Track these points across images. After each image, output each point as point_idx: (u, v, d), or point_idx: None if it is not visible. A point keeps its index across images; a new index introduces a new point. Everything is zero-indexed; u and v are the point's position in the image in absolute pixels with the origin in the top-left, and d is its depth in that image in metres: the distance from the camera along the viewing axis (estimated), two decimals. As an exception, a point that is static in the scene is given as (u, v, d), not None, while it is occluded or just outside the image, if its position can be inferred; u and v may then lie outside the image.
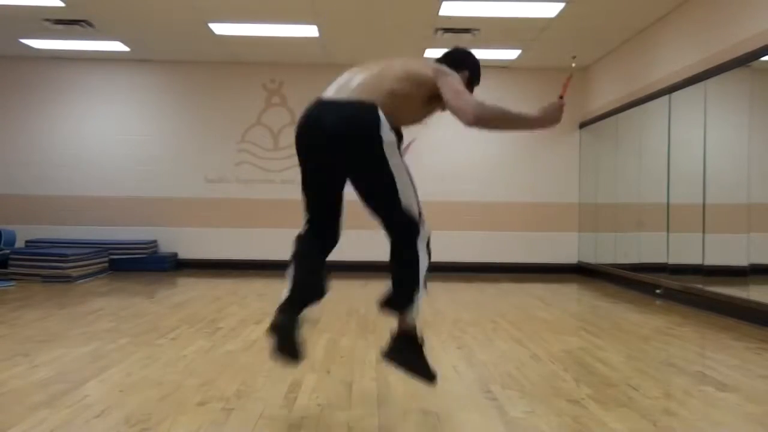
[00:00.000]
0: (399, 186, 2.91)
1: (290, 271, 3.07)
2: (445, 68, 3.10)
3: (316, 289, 3.08)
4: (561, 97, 3.13)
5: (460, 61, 3.33)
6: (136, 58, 9.61)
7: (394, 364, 3.12)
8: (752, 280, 5.71)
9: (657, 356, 4.46)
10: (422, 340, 3.13)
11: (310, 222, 3.14)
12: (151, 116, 9.88)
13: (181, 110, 9.89)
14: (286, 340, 2.94)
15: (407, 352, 3.11)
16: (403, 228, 2.99)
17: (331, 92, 3.00)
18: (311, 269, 3.07)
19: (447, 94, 2.97)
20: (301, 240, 3.12)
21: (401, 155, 3.01)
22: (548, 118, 3.05)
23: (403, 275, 3.03)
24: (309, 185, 3.08)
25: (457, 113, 2.97)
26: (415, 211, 2.97)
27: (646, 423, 2.95)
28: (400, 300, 3.04)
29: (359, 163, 2.91)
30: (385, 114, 2.84)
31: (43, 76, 9.70)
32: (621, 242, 8.45)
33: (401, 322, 3.11)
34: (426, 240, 3.04)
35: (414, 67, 3.09)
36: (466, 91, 3.01)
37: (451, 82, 3.01)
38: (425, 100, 3.08)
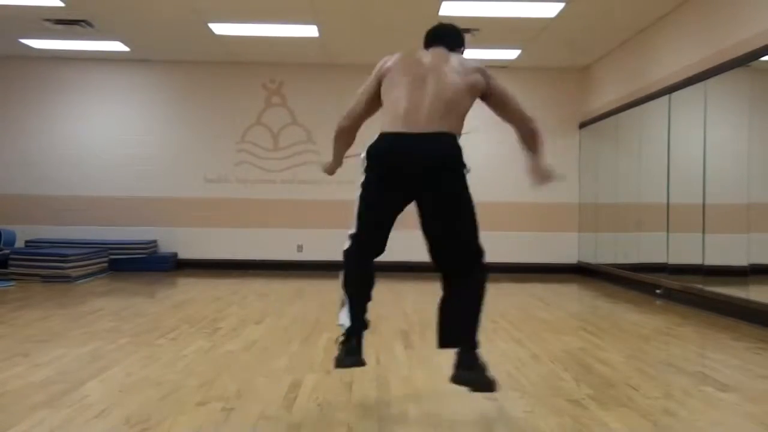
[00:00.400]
0: (476, 216, 3.07)
1: (347, 296, 3.06)
2: (486, 70, 3.16)
3: (368, 300, 3.13)
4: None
5: (462, 41, 3.44)
6: (135, 58, 9.61)
7: (471, 387, 2.92)
8: (752, 280, 5.71)
9: (657, 356, 4.46)
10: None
11: (362, 238, 3.13)
12: (151, 116, 9.88)
13: (181, 110, 9.89)
14: (356, 361, 2.99)
15: (479, 372, 2.93)
16: (479, 257, 3.14)
17: (406, 121, 3.00)
18: (368, 294, 3.11)
19: (513, 101, 3.21)
20: (353, 259, 3.12)
21: None
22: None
23: (476, 307, 3.07)
24: (377, 205, 3.12)
25: (525, 120, 3.24)
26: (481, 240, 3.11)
27: (646, 423, 2.95)
28: (473, 331, 3.02)
29: (448, 194, 3.01)
30: (457, 136, 3.02)
31: (43, 76, 9.70)
32: (621, 242, 8.45)
33: (472, 350, 2.97)
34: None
35: (463, 79, 3.08)
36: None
37: (508, 89, 3.19)
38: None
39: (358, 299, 3.06)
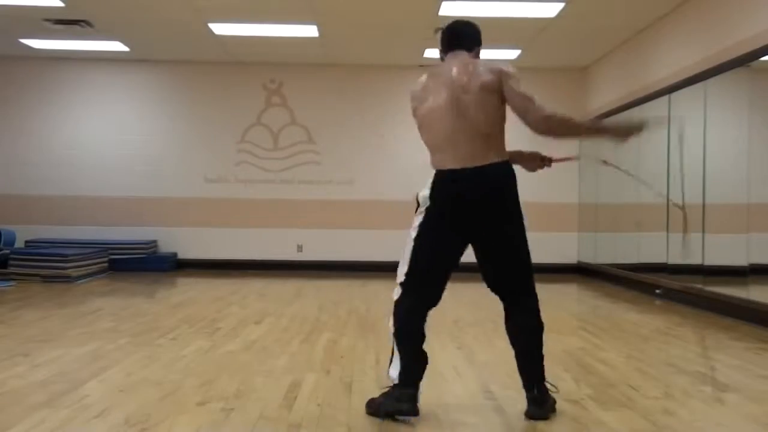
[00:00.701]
0: (527, 246, 3.11)
1: (401, 353, 3.02)
2: (505, 70, 3.07)
3: (424, 363, 3.05)
4: (550, 160, 3.45)
5: (479, 38, 3.39)
6: (135, 58, 9.61)
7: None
8: (752, 280, 5.71)
9: (657, 356, 4.46)
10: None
11: (417, 289, 3.02)
12: (150, 116, 9.88)
13: (181, 110, 9.89)
14: (410, 410, 2.96)
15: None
16: (532, 291, 3.10)
17: (456, 158, 2.95)
18: (421, 350, 3.03)
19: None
20: (406, 314, 3.01)
21: None
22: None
23: (537, 344, 3.04)
24: (438, 253, 3.03)
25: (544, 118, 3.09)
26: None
27: (646, 423, 2.95)
28: (540, 368, 3.03)
29: (504, 222, 3.06)
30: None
31: (43, 76, 9.70)
32: (621, 242, 8.45)
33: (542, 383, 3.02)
34: None
35: (484, 89, 3.01)
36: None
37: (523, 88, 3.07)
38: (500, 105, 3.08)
39: (415, 366, 3.00)
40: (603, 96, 9.10)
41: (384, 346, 4.54)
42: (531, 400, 2.98)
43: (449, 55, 3.22)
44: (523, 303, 3.09)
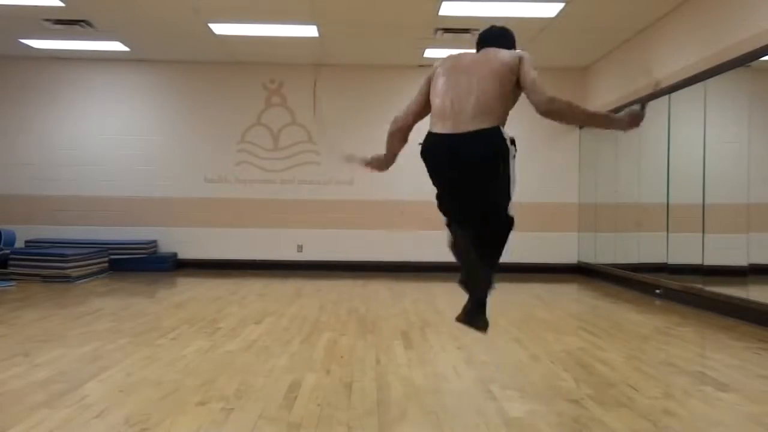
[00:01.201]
0: (512, 188, 3.30)
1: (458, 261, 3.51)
2: (524, 55, 3.40)
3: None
4: (643, 107, 3.46)
5: (513, 42, 3.63)
6: (135, 58, 9.61)
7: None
8: (752, 280, 5.71)
9: (657, 356, 4.46)
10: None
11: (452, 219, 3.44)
12: (150, 116, 9.87)
13: (181, 110, 9.89)
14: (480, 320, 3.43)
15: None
16: (506, 224, 3.39)
17: (445, 121, 3.25)
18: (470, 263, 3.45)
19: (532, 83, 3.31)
20: (454, 234, 3.47)
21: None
22: (628, 123, 3.43)
23: (492, 260, 3.41)
24: (445, 194, 3.41)
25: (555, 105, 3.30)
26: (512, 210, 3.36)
27: (646, 423, 2.95)
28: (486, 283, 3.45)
29: (489, 176, 3.24)
30: (502, 123, 3.21)
31: (43, 76, 9.70)
32: (621, 242, 8.45)
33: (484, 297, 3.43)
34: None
35: (499, 67, 3.31)
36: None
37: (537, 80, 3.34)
38: (514, 87, 3.32)
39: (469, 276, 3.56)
40: (603, 96, 9.10)
41: (385, 345, 4.55)
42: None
43: (478, 51, 3.48)
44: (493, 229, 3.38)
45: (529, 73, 3.29)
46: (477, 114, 3.15)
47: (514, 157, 3.26)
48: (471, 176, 3.21)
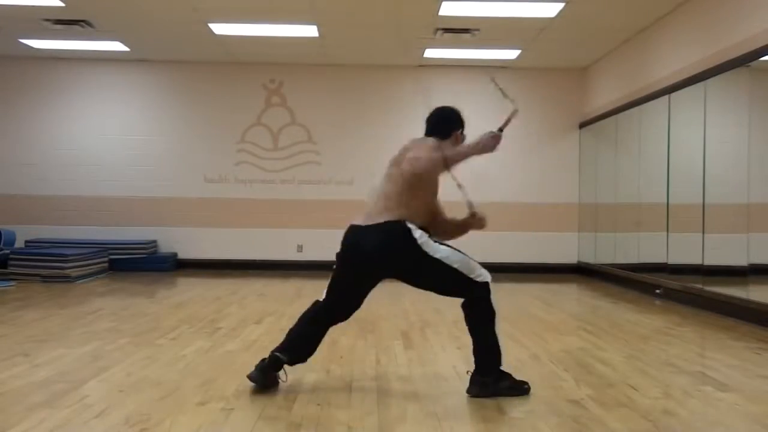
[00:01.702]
0: (453, 264, 3.38)
1: (294, 328, 3.53)
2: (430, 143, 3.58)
3: (306, 353, 3.52)
4: (500, 130, 3.59)
5: (451, 120, 3.76)
6: (135, 58, 9.61)
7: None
8: (752, 280, 5.71)
9: (657, 356, 4.46)
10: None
11: (332, 304, 3.50)
12: (150, 116, 9.87)
13: (181, 110, 9.89)
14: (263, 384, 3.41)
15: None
16: (476, 299, 3.46)
17: (364, 215, 3.43)
18: (312, 338, 3.52)
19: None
20: (317, 309, 3.53)
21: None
22: (482, 146, 3.55)
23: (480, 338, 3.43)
24: (345, 289, 3.49)
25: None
26: (475, 272, 3.48)
27: (646, 423, 2.95)
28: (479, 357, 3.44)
29: (411, 269, 3.38)
30: (410, 219, 3.36)
31: (43, 76, 9.69)
32: (621, 242, 8.45)
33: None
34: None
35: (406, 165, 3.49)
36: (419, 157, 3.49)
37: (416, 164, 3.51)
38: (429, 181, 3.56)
39: (298, 346, 3.54)
40: (603, 96, 9.10)
41: (385, 345, 4.55)
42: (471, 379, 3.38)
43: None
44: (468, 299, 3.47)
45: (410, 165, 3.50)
46: (385, 207, 3.45)
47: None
48: None
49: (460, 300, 3.51)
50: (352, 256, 3.40)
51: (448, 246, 3.45)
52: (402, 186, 3.40)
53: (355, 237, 3.39)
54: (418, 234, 3.33)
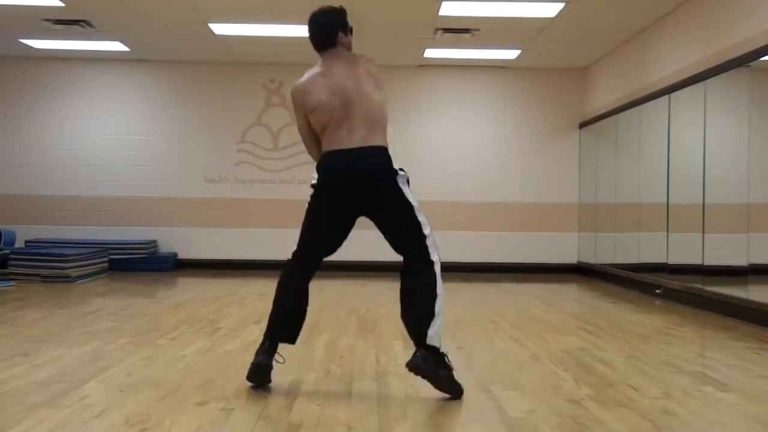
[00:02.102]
0: (416, 212, 3.35)
1: (275, 306, 3.53)
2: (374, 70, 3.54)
3: (297, 317, 3.55)
4: None
5: (332, 29, 3.68)
6: (135, 58, 9.61)
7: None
8: (752, 280, 5.71)
9: (657, 356, 4.46)
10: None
11: (303, 255, 3.52)
12: (150, 116, 9.88)
13: (181, 110, 9.89)
14: (261, 377, 3.42)
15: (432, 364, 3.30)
16: (422, 258, 3.34)
17: (344, 139, 3.38)
18: (296, 302, 3.57)
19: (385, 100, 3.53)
20: (288, 266, 3.59)
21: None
22: None
23: (422, 306, 3.31)
24: (324, 227, 3.47)
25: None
26: (428, 228, 3.38)
27: (646, 423, 2.95)
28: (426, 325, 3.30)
29: (385, 200, 3.35)
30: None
31: (43, 76, 9.69)
32: (621, 242, 8.45)
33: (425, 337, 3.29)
34: (435, 246, 3.40)
35: (371, 86, 3.47)
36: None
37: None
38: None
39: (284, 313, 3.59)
40: (603, 96, 9.10)
41: (385, 345, 4.55)
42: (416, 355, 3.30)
43: (327, 60, 3.65)
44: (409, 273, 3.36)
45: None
46: (367, 131, 3.48)
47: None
48: None
49: (460, 300, 3.50)
50: (349, 182, 3.35)
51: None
52: (383, 112, 3.44)
53: (356, 156, 3.33)
54: (394, 164, 3.37)
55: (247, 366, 3.47)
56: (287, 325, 3.50)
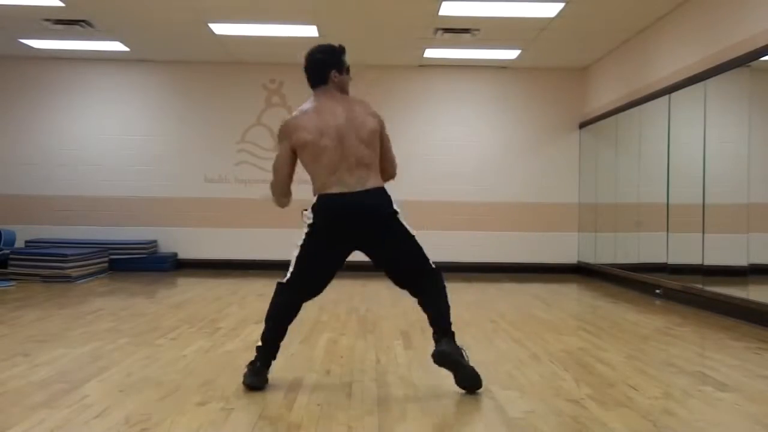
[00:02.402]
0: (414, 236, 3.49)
1: (268, 324, 3.53)
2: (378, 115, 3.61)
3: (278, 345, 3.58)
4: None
5: (323, 67, 3.75)
6: (135, 58, 9.61)
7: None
8: (752, 280, 5.71)
9: (657, 356, 4.46)
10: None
11: (301, 287, 3.57)
12: (151, 116, 9.88)
13: (181, 110, 9.89)
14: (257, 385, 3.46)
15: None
16: (434, 270, 3.54)
17: (343, 182, 3.43)
18: (284, 329, 3.56)
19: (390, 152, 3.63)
20: (284, 295, 3.56)
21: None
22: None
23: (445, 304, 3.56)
24: (321, 263, 3.54)
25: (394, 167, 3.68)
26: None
27: (646, 423, 2.95)
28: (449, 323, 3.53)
29: (386, 236, 3.46)
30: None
31: (43, 76, 9.69)
32: (621, 242, 8.46)
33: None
34: None
35: (368, 129, 3.50)
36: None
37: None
38: None
39: (276, 341, 3.56)
40: (603, 96, 9.10)
41: (385, 345, 4.55)
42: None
43: (322, 98, 3.69)
44: (427, 285, 3.53)
45: (388, 140, 3.72)
46: (366, 173, 3.57)
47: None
48: None
49: (460, 300, 3.53)
50: (351, 223, 3.42)
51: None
52: (376, 152, 3.50)
53: (357, 202, 3.40)
54: (395, 204, 3.49)
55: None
56: (278, 348, 3.57)
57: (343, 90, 3.67)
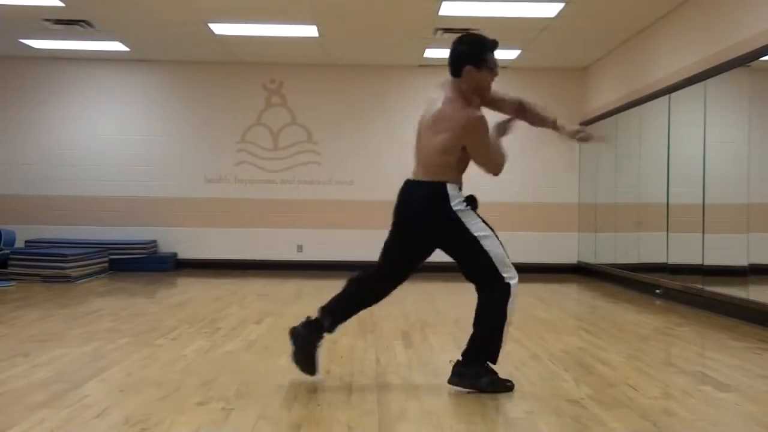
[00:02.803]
0: (486, 247, 3.37)
1: (344, 291, 3.65)
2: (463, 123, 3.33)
3: (345, 313, 3.65)
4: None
5: (460, 59, 3.43)
6: (135, 58, 9.61)
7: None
8: (752, 280, 5.71)
9: (657, 356, 4.46)
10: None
11: (380, 268, 3.67)
12: (151, 116, 9.87)
13: (181, 110, 9.89)
14: (303, 355, 3.47)
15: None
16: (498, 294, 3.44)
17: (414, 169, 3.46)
18: (353, 297, 3.66)
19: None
20: (366, 271, 3.71)
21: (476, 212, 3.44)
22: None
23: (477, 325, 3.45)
24: (393, 252, 3.64)
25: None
26: (506, 269, 3.41)
27: (646, 423, 2.95)
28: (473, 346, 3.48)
29: (445, 237, 3.42)
30: (451, 181, 3.36)
31: (43, 76, 9.69)
32: (621, 242, 8.45)
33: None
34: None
35: (442, 135, 3.36)
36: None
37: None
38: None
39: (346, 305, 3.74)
40: (603, 96, 9.10)
41: (385, 345, 4.55)
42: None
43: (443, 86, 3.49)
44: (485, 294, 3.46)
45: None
46: (427, 166, 3.51)
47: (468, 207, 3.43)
48: None
49: (461, 300, 3.52)
50: (399, 214, 3.48)
51: (489, 227, 3.41)
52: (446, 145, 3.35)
53: (405, 192, 3.44)
54: (456, 201, 3.33)
55: (248, 365, 3.47)
56: (341, 314, 3.59)
57: (479, 88, 3.42)
